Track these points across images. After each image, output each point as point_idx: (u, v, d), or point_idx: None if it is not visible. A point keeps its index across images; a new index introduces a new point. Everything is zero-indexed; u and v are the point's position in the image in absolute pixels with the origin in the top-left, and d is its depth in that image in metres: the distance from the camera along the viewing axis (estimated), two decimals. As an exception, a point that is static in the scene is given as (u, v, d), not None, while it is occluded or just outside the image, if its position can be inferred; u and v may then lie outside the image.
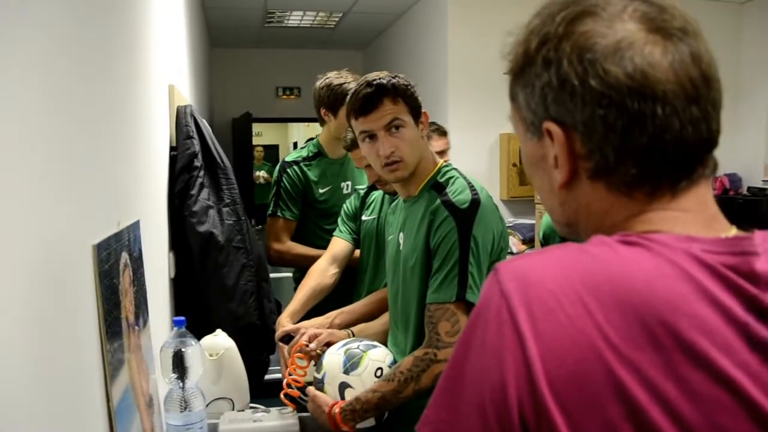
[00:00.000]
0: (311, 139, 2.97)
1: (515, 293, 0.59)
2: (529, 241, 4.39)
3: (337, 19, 5.77)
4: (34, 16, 0.82)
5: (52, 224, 0.87)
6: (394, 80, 1.61)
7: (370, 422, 1.61)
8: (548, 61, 0.66)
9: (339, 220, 2.32)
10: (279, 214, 2.58)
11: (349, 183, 2.64)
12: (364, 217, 2.24)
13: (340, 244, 2.24)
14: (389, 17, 5.73)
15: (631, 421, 0.55)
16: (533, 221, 4.46)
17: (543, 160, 0.70)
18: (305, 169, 2.60)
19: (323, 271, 2.17)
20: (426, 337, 1.53)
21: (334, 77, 2.50)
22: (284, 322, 2.02)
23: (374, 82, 1.60)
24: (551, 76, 0.65)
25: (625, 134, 0.63)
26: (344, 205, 2.34)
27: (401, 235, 1.68)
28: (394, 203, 1.81)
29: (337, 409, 1.58)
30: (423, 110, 1.65)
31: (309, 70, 6.74)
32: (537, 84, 0.67)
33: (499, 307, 0.59)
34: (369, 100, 1.60)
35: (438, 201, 1.55)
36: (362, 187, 2.34)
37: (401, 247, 1.67)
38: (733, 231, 0.66)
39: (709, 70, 0.64)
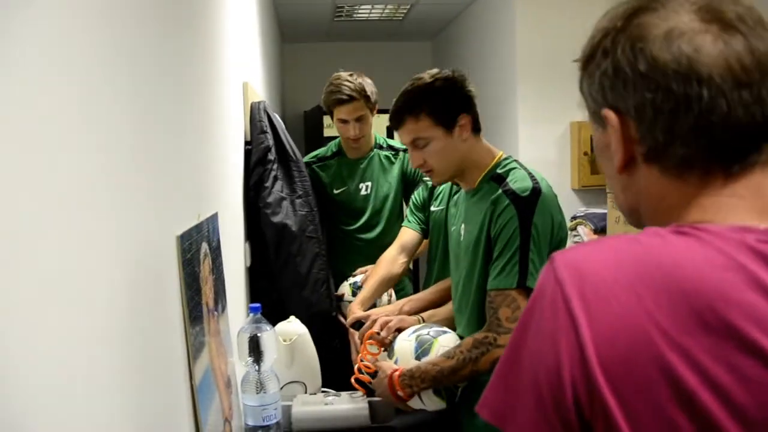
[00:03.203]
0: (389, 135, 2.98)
1: (569, 281, 0.62)
2: (601, 231, 4.30)
3: (405, 11, 5.80)
4: (121, 25, 0.89)
5: (142, 217, 0.96)
6: (421, 90, 1.64)
7: (441, 404, 1.65)
8: (606, 52, 0.70)
9: (408, 210, 2.38)
10: None
11: (369, 184, 2.64)
12: (432, 208, 2.28)
13: (408, 234, 2.29)
14: (458, 7, 5.71)
15: (679, 403, 0.57)
16: (605, 210, 4.38)
17: (608, 147, 0.73)
18: (317, 170, 2.64)
19: (392, 260, 2.23)
20: (487, 322, 1.57)
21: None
22: (355, 309, 2.09)
23: (400, 97, 1.67)
24: (607, 65, 0.69)
25: (672, 116, 0.65)
26: (413, 196, 2.38)
27: (463, 226, 1.72)
28: (456, 195, 1.85)
29: (396, 374, 1.65)
30: (462, 113, 1.65)
31: (378, 62, 6.81)
32: (597, 74, 0.71)
33: (554, 294, 0.62)
34: (394, 117, 1.69)
35: (499, 191, 1.58)
36: None
37: (462, 238, 1.71)
38: None
39: (765, 58, 0.65)
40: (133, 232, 0.91)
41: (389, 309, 2.08)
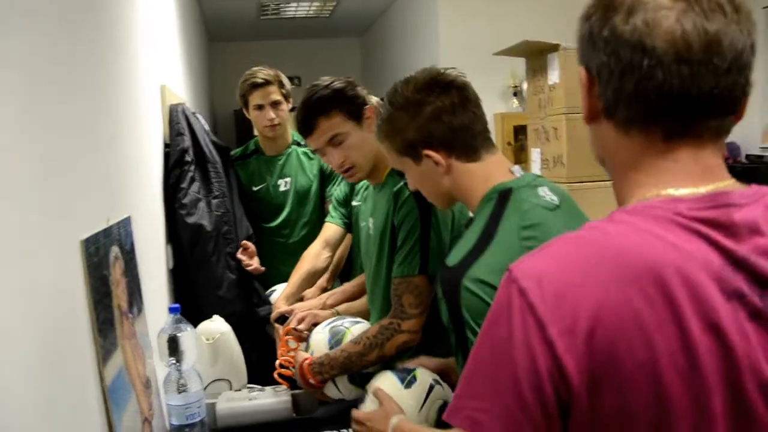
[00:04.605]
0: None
1: (531, 288, 0.70)
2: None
3: (332, 8, 5.84)
4: (20, 18, 0.91)
5: (42, 222, 0.98)
6: (325, 91, 1.71)
7: (358, 392, 1.70)
8: (586, 17, 0.79)
9: (331, 206, 2.42)
10: None
11: (288, 179, 2.68)
12: (354, 203, 2.33)
13: (331, 228, 2.34)
14: (383, 3, 5.79)
15: (643, 374, 0.66)
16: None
17: None
18: (237, 168, 2.65)
19: (316, 256, 2.27)
20: (391, 309, 1.63)
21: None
22: (280, 305, 2.13)
23: (305, 104, 1.73)
24: (585, 29, 0.78)
25: (619, 79, 0.75)
26: (335, 192, 2.42)
27: (371, 220, 1.78)
28: (365, 192, 1.91)
29: (306, 362, 1.71)
30: (367, 106, 1.74)
31: (308, 59, 6.83)
32: (578, 35, 0.80)
33: (521, 303, 0.70)
34: (305, 123, 1.74)
35: (401, 183, 1.64)
36: None
37: (371, 231, 1.77)
38: (724, 183, 0.75)
39: (716, 38, 0.71)
40: (32, 237, 0.93)
41: (313, 303, 2.13)
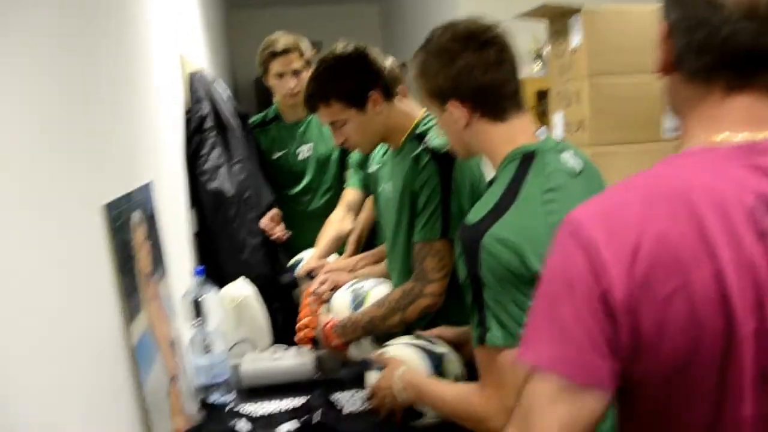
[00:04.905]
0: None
1: (583, 228, 0.77)
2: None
3: (351, -27, 5.78)
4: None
5: (65, 189, 1.01)
6: (327, 75, 1.70)
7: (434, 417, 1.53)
8: None
9: (350, 170, 2.43)
10: None
11: (308, 146, 2.67)
12: (371, 169, 2.34)
13: (351, 193, 2.37)
14: (403, -34, 5.71)
15: (677, 299, 0.71)
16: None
17: None
18: (257, 135, 2.65)
19: (340, 221, 2.32)
20: (414, 273, 1.65)
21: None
22: (311, 264, 2.17)
23: (309, 84, 1.73)
24: None
25: (689, 33, 0.79)
26: (353, 156, 2.42)
27: (389, 184, 1.78)
28: (383, 158, 1.91)
29: (329, 324, 1.75)
30: (371, 89, 1.69)
31: (327, 25, 6.78)
32: None
33: (576, 242, 0.76)
34: (307, 103, 1.76)
35: (420, 148, 1.64)
36: None
37: (389, 196, 1.78)
38: None
39: None
40: (56, 202, 0.96)
41: (342, 264, 2.16)
